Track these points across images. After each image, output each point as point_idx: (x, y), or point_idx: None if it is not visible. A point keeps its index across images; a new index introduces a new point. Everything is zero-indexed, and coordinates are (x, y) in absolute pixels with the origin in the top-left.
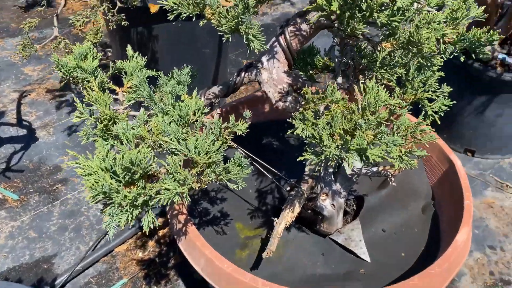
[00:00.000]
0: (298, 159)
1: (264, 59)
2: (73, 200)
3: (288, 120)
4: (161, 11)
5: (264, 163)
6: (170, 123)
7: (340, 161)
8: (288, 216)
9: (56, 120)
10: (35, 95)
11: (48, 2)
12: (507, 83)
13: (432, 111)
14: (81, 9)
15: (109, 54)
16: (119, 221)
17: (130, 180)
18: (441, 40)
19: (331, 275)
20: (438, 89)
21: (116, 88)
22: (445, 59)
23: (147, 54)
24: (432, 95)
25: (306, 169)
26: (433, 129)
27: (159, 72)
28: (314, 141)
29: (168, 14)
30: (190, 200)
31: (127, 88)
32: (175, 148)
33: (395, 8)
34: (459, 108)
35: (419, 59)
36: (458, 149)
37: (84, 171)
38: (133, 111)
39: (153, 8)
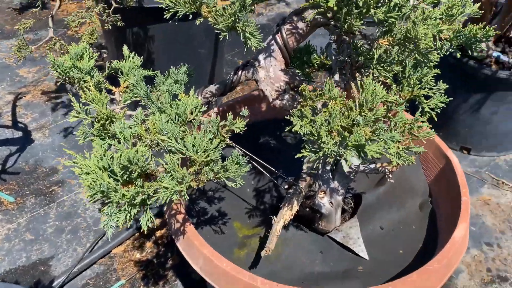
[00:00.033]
0: (296, 156)
1: (261, 57)
2: (70, 201)
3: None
4: (157, 11)
5: (262, 162)
6: (167, 121)
7: (339, 157)
8: (286, 214)
9: (52, 122)
10: (30, 97)
11: (42, 4)
12: (502, 81)
13: (429, 107)
14: (76, 10)
15: (105, 55)
16: (117, 220)
17: (128, 179)
18: (437, 37)
19: (329, 273)
20: (434, 86)
21: (113, 88)
22: (442, 55)
23: (143, 55)
24: (428, 92)
25: (304, 167)
26: (430, 126)
27: (155, 72)
28: (312, 138)
29: (165, 13)
30: (188, 199)
31: (124, 88)
32: (173, 147)
33: (392, 4)
34: (454, 106)
35: (416, 55)
36: (454, 147)
37: (82, 171)
38: (130, 111)
39: None
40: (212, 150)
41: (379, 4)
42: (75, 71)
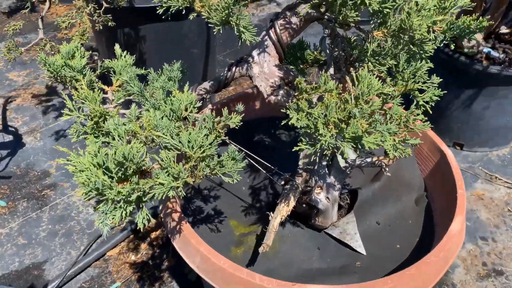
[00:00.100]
0: (293, 150)
1: (254, 53)
2: (63, 205)
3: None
4: (148, 11)
5: (257, 158)
6: (162, 118)
7: (336, 150)
8: (283, 210)
9: (43, 125)
10: (20, 100)
11: (32, 5)
12: (493, 76)
13: (423, 101)
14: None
15: (95, 57)
16: (112, 218)
17: (123, 176)
18: (431, 29)
19: (327, 269)
20: (428, 80)
21: (105, 87)
22: (436, 47)
23: (134, 55)
24: (422, 86)
25: (300, 162)
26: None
27: (149, 69)
28: (309, 131)
29: (158, 8)
30: (183, 198)
31: (116, 87)
32: (168, 143)
33: None
34: (446, 102)
35: (411, 46)
36: (446, 143)
37: (76, 168)
38: (123, 110)
39: None
40: (207, 145)
41: None
42: (67, 70)
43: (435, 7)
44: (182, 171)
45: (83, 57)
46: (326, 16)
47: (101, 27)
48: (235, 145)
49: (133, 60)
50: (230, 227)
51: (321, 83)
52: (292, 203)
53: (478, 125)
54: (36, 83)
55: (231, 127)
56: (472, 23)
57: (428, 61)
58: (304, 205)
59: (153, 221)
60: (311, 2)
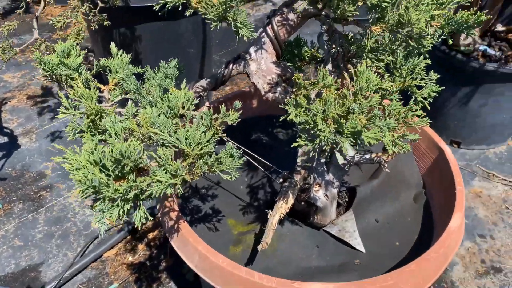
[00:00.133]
0: (292, 146)
1: (252, 50)
2: (59, 206)
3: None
4: (143, 10)
5: (255, 155)
6: (159, 115)
7: (335, 145)
8: (282, 207)
9: (38, 126)
10: (15, 102)
11: (26, 5)
12: (489, 73)
13: (422, 97)
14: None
15: (91, 58)
16: (110, 216)
17: (120, 174)
18: (429, 24)
19: (326, 267)
20: (426, 76)
21: (101, 86)
22: (434, 42)
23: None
24: (420, 83)
25: (298, 160)
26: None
27: (146, 67)
28: (308, 126)
29: (154, 4)
30: (181, 197)
31: (113, 85)
32: (166, 140)
33: None
34: (443, 100)
35: (409, 41)
36: (444, 140)
37: (72, 166)
38: (119, 108)
39: None
40: (205, 142)
41: None
42: (62, 68)
43: (433, 2)
44: (180, 168)
45: (79, 56)
46: (323, 12)
47: (96, 27)
48: (232, 143)
49: (129, 59)
50: (228, 226)
51: (320, 79)
52: (291, 200)
53: (475, 123)
54: (31, 84)
55: (229, 123)
56: (470, 17)
57: (427, 55)
58: (302, 203)
59: (150, 221)
60: None
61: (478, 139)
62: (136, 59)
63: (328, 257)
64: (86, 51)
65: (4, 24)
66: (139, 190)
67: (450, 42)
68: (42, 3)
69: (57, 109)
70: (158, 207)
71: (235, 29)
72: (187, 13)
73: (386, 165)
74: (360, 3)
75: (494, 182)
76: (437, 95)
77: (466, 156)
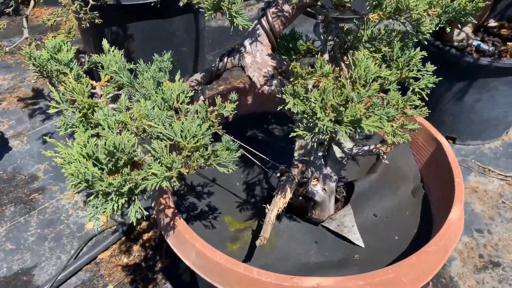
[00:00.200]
0: (290, 136)
1: (246, 42)
2: (52, 208)
3: (272, 111)
4: (135, 8)
5: (252, 149)
6: (153, 108)
7: (334, 135)
8: (280, 202)
9: (29, 128)
10: (6, 104)
11: (15, 4)
12: (483, 67)
13: (419, 88)
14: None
15: (83, 60)
16: (103, 212)
17: (113, 168)
18: (426, 13)
19: (325, 263)
20: (422, 68)
21: (93, 83)
22: (433, 30)
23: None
24: (417, 74)
25: (295, 154)
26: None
27: (139, 60)
28: (306, 115)
29: (145, 2)
30: (176, 195)
31: (105, 82)
32: (160, 133)
33: None
34: (438, 96)
35: (407, 29)
36: None
37: (64, 160)
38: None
39: None
40: (201, 135)
41: None
42: (53, 63)
43: None
44: (176, 161)
45: (70, 51)
46: (319, 2)
47: (87, 25)
48: (228, 137)
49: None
50: (225, 223)
51: (317, 67)
52: (289, 194)
53: (470, 118)
54: (22, 86)
55: (224, 118)
56: (468, 4)
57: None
58: (300, 198)
59: (145, 222)
60: None
61: (473, 134)
62: (128, 58)
63: (327, 252)
64: (77, 47)
65: None
66: (134, 184)
67: (448, 29)
68: (32, 2)
69: (49, 111)
70: (153, 204)
71: (229, 18)
72: (181, 3)
73: (385, 156)
74: None
75: (490, 177)
76: (434, 86)
77: (462, 151)
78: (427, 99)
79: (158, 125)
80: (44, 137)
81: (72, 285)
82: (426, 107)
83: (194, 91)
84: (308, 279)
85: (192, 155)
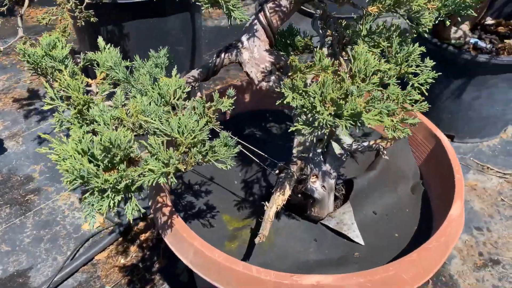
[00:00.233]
0: (289, 130)
1: (244, 38)
2: (47, 209)
3: (269, 108)
4: (131, 7)
5: (250, 146)
6: (149, 103)
7: (334, 129)
8: (279, 199)
9: (25, 129)
10: (1, 105)
11: (11, 9)
12: (481, 65)
13: (418, 83)
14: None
15: (78, 60)
16: (99, 209)
17: (109, 164)
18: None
19: (324, 261)
20: (421, 63)
21: (89, 80)
22: (433, 23)
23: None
24: (415, 70)
25: (294, 150)
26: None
27: (134, 58)
28: (305, 109)
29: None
30: (173, 193)
31: (101, 79)
32: (157, 128)
33: None
34: (436, 93)
35: (407, 21)
36: None
37: (59, 157)
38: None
39: None
40: (198, 131)
41: None
42: (48, 60)
43: None
44: (173, 156)
45: (64, 47)
46: None
47: (83, 23)
48: (226, 133)
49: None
50: (223, 222)
51: (316, 61)
52: (288, 191)
53: (468, 116)
54: (17, 87)
55: (222, 111)
56: None
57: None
58: (299, 195)
59: (142, 223)
60: None
61: (471, 132)
62: (124, 57)
63: (327, 250)
64: (72, 44)
65: None
66: (130, 180)
67: (448, 23)
68: (26, 1)
69: (44, 112)
70: (150, 203)
71: (226, 12)
72: None
73: (385, 152)
74: None
75: (489, 175)
76: (433, 81)
77: (460, 149)
78: (426, 94)
79: (155, 120)
80: (39, 133)
81: (69, 287)
82: (426, 101)
83: (191, 87)
84: (308, 277)
85: (189, 151)
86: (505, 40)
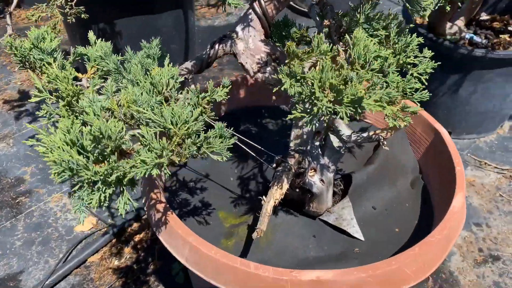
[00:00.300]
0: (287, 118)
1: (238, 28)
2: (39, 212)
3: (265, 105)
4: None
5: (248, 140)
6: (141, 94)
7: (334, 116)
8: (276, 193)
9: (16, 131)
10: None
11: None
12: (477, 59)
13: (417, 73)
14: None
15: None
16: (89, 203)
17: (100, 156)
18: None
19: (324, 257)
20: (420, 54)
21: (79, 75)
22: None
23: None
24: (414, 60)
25: (291, 144)
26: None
27: (125, 49)
28: (304, 96)
29: None
30: (168, 191)
31: (92, 74)
32: (149, 119)
33: None
34: (432, 89)
35: (407, 4)
36: None
37: (47, 149)
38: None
39: None
40: (192, 121)
41: None
42: (36, 53)
43: None
44: (166, 147)
45: (53, 40)
46: None
47: (73, 20)
48: (221, 124)
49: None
50: (219, 219)
51: (314, 46)
52: (286, 185)
53: (465, 111)
54: (8, 88)
55: (217, 101)
56: None
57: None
58: (297, 190)
59: (136, 223)
60: None
61: (468, 128)
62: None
63: (326, 246)
64: (61, 38)
65: None
66: (122, 173)
67: (448, 8)
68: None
69: (35, 113)
70: (144, 200)
71: None
72: None
73: (385, 143)
74: None
75: (487, 171)
76: (433, 71)
77: (457, 146)
78: (426, 84)
79: (147, 110)
80: (25, 123)
81: None
82: (426, 90)
83: (184, 79)
84: (308, 272)
85: (183, 143)
86: (500, 35)
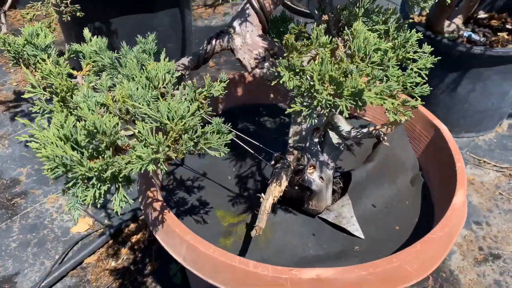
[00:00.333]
0: (286, 112)
1: (236, 23)
2: (35, 213)
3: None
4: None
5: (246, 137)
6: (137, 89)
7: (334, 109)
8: (275, 190)
9: (11, 132)
10: None
11: None
12: (476, 56)
13: (417, 68)
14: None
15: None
16: (84, 199)
17: (95, 152)
18: None
19: (323, 256)
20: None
21: (74, 72)
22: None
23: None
24: (413, 56)
25: (290, 140)
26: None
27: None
28: (303, 89)
29: None
30: (165, 190)
31: (87, 71)
32: (145, 114)
33: None
34: (431, 87)
35: None
36: None
37: (40, 145)
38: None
39: None
40: (189, 116)
41: None
42: (29, 49)
43: None
44: (162, 141)
45: (47, 36)
46: None
47: (68, 18)
48: (218, 119)
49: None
50: (217, 218)
51: (313, 38)
52: (285, 182)
53: (463, 109)
54: (3, 89)
55: (214, 95)
56: None
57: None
58: (296, 187)
59: (133, 224)
60: None
61: (467, 126)
62: None
63: (326, 245)
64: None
65: None
66: (117, 169)
67: (449, 1)
68: None
69: (31, 114)
70: (140, 199)
71: None
72: None
73: (385, 138)
74: None
75: (486, 169)
76: (433, 66)
77: (456, 144)
78: (426, 79)
79: (143, 105)
80: (15, 117)
81: None
82: (427, 84)
83: (181, 75)
84: (307, 271)
85: (180, 138)
86: (498, 33)
